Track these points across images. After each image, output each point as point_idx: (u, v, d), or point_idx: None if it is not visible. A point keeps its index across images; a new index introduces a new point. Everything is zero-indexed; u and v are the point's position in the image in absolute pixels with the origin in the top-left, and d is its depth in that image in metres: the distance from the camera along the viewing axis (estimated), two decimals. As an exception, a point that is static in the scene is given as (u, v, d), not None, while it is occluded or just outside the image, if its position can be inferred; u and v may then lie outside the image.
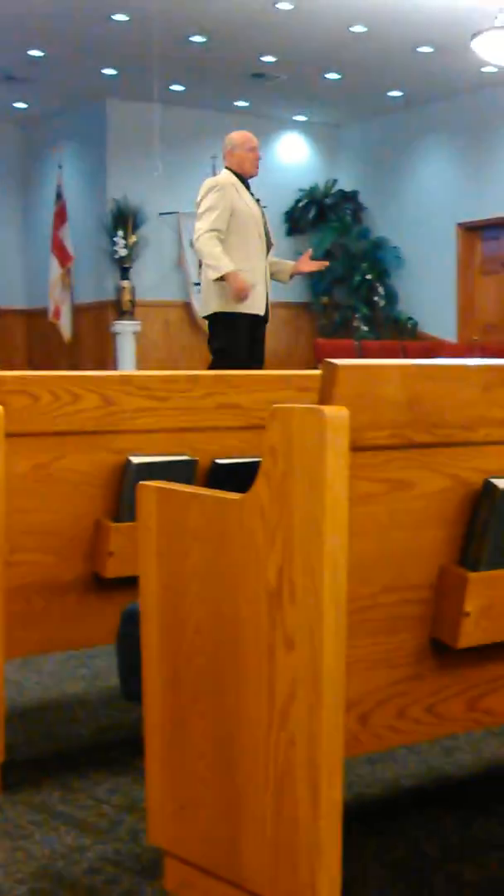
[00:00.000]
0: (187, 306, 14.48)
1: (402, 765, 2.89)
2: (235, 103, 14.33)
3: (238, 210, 6.51)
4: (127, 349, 13.81)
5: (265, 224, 6.67)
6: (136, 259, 14.04)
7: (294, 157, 15.40)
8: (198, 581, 2.03)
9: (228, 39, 11.72)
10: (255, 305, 6.57)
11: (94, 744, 3.09)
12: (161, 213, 14.27)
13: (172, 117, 13.92)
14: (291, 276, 6.96)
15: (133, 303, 13.87)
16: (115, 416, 2.80)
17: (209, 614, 2.01)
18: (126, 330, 13.81)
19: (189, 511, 2.05)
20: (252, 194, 6.71)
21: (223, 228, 6.45)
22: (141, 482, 2.17)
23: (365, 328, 14.41)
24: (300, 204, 15.21)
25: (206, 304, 6.66)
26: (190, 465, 2.85)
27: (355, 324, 14.59)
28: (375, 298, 14.44)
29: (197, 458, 2.87)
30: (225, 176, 6.70)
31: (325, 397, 1.83)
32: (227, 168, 6.76)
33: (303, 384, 3.07)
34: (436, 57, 12.29)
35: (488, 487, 2.01)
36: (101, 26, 11.17)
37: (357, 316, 14.58)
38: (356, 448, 1.84)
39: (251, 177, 6.74)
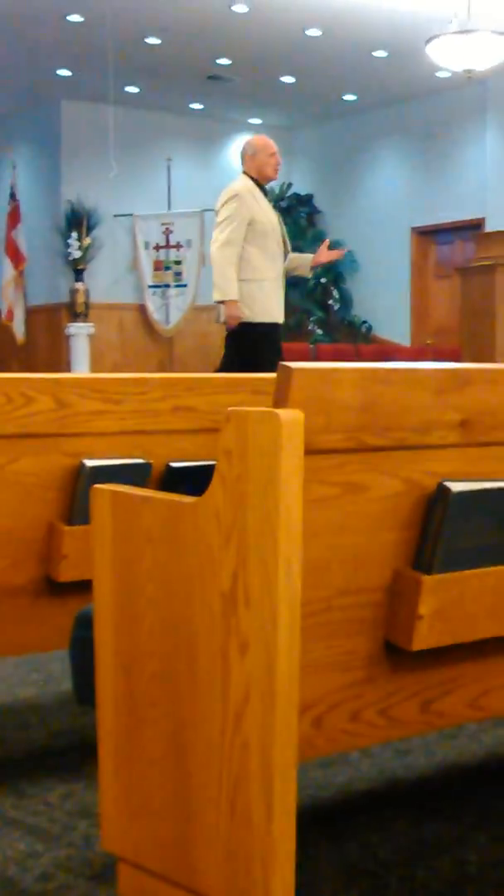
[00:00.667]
0: (142, 308, 14.46)
1: (355, 768, 2.89)
2: (190, 105, 14.33)
3: (256, 219, 6.55)
4: (81, 351, 13.77)
5: (283, 230, 6.71)
6: (91, 261, 14.00)
7: (249, 159, 15.40)
8: (152, 584, 2.02)
9: (184, 41, 11.72)
10: (273, 314, 6.66)
11: (46, 749, 3.08)
12: (116, 215, 14.24)
13: (127, 119, 13.90)
14: (312, 268, 7.05)
15: (87, 305, 13.83)
16: (68, 419, 2.78)
17: (163, 618, 2.00)
18: (80, 332, 13.77)
19: (143, 514, 2.04)
20: (269, 200, 6.75)
21: (239, 241, 6.50)
22: (95, 485, 2.16)
23: (319, 332, 14.45)
24: (255, 207, 15.21)
25: (219, 311, 6.71)
26: (144, 468, 2.84)
27: (310, 327, 14.63)
28: (330, 302, 14.49)
29: (151, 462, 2.86)
30: (242, 184, 6.71)
31: (279, 400, 1.83)
32: (244, 173, 6.77)
33: (257, 387, 3.07)
34: (390, 61, 12.34)
35: (442, 490, 2.02)
36: (56, 27, 11.14)
37: (312, 319, 14.62)
38: (310, 451, 1.84)
39: (270, 181, 6.82)
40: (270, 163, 6.75)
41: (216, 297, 6.57)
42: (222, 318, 6.67)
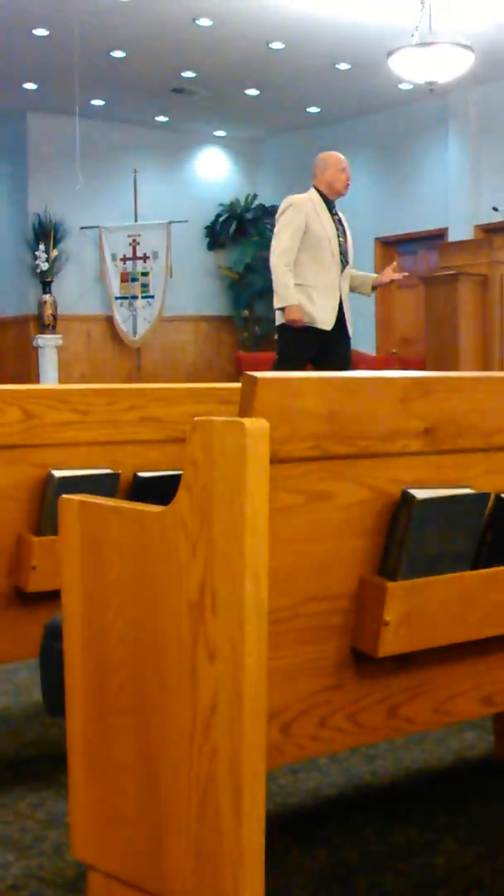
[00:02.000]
0: (109, 320, 14.45)
1: (323, 774, 2.91)
2: (156, 118, 14.36)
3: (311, 230, 6.82)
4: (49, 363, 13.75)
5: (342, 244, 6.92)
6: (58, 273, 13.99)
7: (214, 171, 15.45)
8: (120, 594, 2.04)
9: (148, 54, 11.74)
10: (321, 320, 6.87)
11: (17, 759, 3.08)
12: (83, 227, 14.24)
13: (93, 131, 13.91)
14: (374, 288, 7.27)
15: (55, 316, 13.82)
16: (36, 430, 2.79)
17: (132, 627, 2.02)
18: (48, 343, 13.75)
19: (111, 524, 2.05)
20: (335, 214, 6.96)
21: (294, 248, 6.79)
22: (63, 496, 2.17)
23: (286, 342, 14.44)
24: (220, 218, 15.26)
25: (277, 315, 7.01)
26: (112, 478, 2.85)
27: (276, 337, 14.64)
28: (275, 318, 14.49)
29: (119, 472, 2.87)
30: (305, 195, 6.99)
31: (245, 410, 1.85)
32: (314, 186, 7.02)
33: (224, 397, 3.09)
34: (353, 74, 12.41)
35: (406, 498, 2.04)
36: (22, 41, 11.14)
37: (278, 330, 14.62)
38: (276, 460, 1.85)
39: (340, 196, 7.02)
40: (341, 178, 7.02)
41: (276, 303, 6.92)
42: (279, 322, 6.99)
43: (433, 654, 2.18)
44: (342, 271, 6.90)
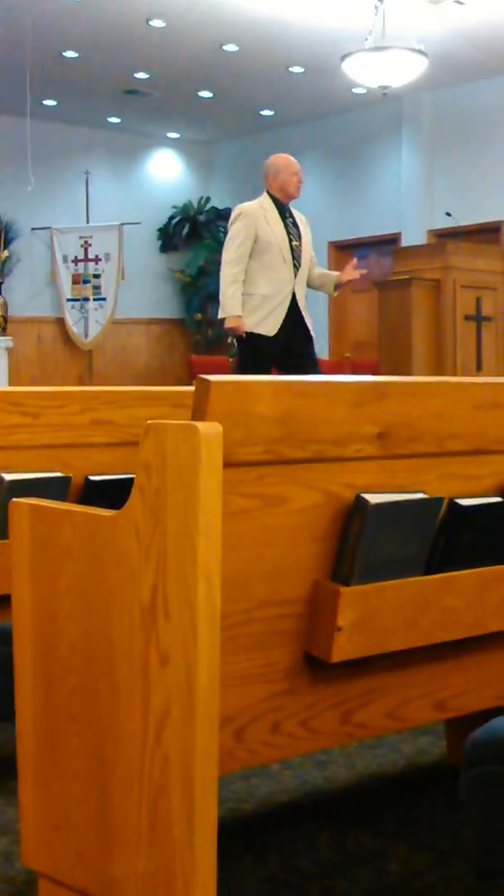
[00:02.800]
0: (60, 322, 14.39)
1: (276, 780, 2.90)
2: (108, 119, 14.32)
3: (261, 237, 6.82)
4: (-1, 365, 13.67)
5: (294, 248, 6.91)
6: (8, 274, 13.92)
7: (167, 173, 15.43)
8: (71, 599, 2.02)
9: (101, 55, 11.71)
10: (267, 327, 6.88)
11: (-35, 766, 3.04)
12: (34, 229, 14.17)
13: (45, 132, 13.83)
14: (336, 288, 7.26)
15: (5, 318, 13.73)
16: (-14, 433, 2.76)
17: (83, 632, 2.00)
18: (-2, 346, 13.67)
19: (62, 528, 2.03)
20: (287, 218, 6.95)
21: (243, 258, 6.82)
22: (13, 499, 2.15)
23: (238, 345, 14.45)
24: (173, 221, 15.24)
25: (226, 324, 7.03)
26: (63, 481, 2.83)
27: (229, 340, 14.64)
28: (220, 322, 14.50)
29: (70, 475, 2.85)
30: (255, 202, 6.97)
31: (198, 413, 1.84)
32: (267, 192, 7.01)
33: (176, 400, 3.07)
34: (307, 77, 12.43)
35: (360, 502, 2.03)
36: (-28, 39, 11.07)
37: (231, 333, 14.63)
38: (229, 464, 1.84)
39: (292, 199, 7.01)
40: (293, 181, 7.00)
41: (219, 314, 6.97)
42: (227, 328, 7.05)
43: (386, 660, 2.18)
44: (296, 275, 6.90)
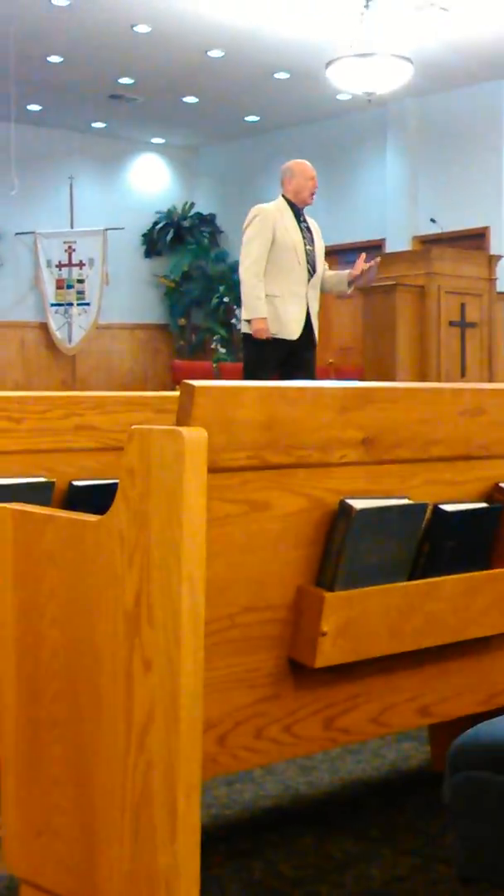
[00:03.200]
0: (44, 327, 14.37)
1: (259, 785, 2.90)
2: (93, 124, 14.31)
3: (278, 239, 6.82)
4: (-18, 370, 13.64)
5: (309, 252, 6.92)
6: (-8, 279, 13.90)
7: (152, 179, 15.43)
8: (55, 604, 2.01)
9: (86, 60, 11.70)
10: (285, 330, 6.87)
11: None
12: (17, 233, 14.16)
13: (29, 137, 13.82)
14: (350, 284, 7.20)
15: (-11, 323, 13.72)
16: (-31, 438, 2.75)
17: (66, 638, 1.99)
18: (-19, 350, 13.65)
19: (45, 533, 2.03)
20: (301, 222, 6.94)
21: (263, 258, 6.79)
22: (-4, 504, 2.14)
23: (223, 350, 14.47)
24: (158, 226, 15.24)
25: (244, 325, 7.00)
26: (47, 486, 2.82)
27: (213, 346, 14.65)
28: (233, 321, 14.53)
29: (54, 480, 2.84)
30: (272, 204, 6.96)
31: (182, 419, 1.84)
32: (283, 196, 7.00)
33: (160, 406, 3.07)
34: (292, 83, 12.45)
35: (344, 508, 2.03)
36: (-43, 43, 11.05)
37: (215, 338, 14.65)
38: (214, 469, 1.84)
39: (306, 204, 7.00)
40: (308, 186, 6.99)
41: (244, 314, 6.92)
42: (244, 330, 6.99)
43: (370, 665, 2.18)
44: (310, 280, 6.91)
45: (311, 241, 6.96)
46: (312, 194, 7.01)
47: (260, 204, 7.04)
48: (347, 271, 7.17)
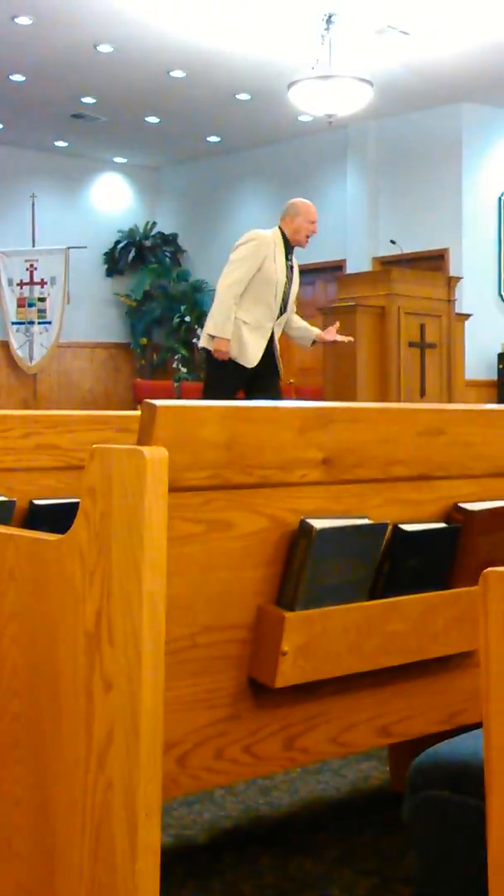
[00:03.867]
0: (5, 345, 14.32)
1: (219, 805, 2.89)
2: (55, 143, 14.31)
3: (264, 269, 6.83)
4: None
5: (286, 291, 6.95)
6: (-47, 297, 13.84)
7: (113, 198, 15.44)
8: (15, 623, 2.00)
9: (48, 79, 11.71)
10: (244, 357, 6.89)
11: None
12: (-22, 252, 14.11)
13: (-10, 155, 13.80)
14: (313, 343, 7.30)
15: None
16: None
17: (27, 657, 1.98)
18: None
19: (6, 552, 2.02)
20: (288, 261, 6.97)
21: (245, 281, 6.80)
22: (-44, 523, 2.13)
23: (184, 370, 14.48)
24: (119, 245, 15.24)
25: (205, 338, 7.01)
26: (7, 505, 2.81)
27: (174, 365, 14.65)
28: (194, 340, 14.54)
29: (14, 499, 2.83)
30: (270, 233, 6.95)
31: (144, 438, 1.84)
32: (280, 228, 7.00)
33: (122, 425, 3.07)
34: (253, 104, 12.50)
35: (304, 527, 2.04)
36: None
37: (176, 357, 14.65)
38: (175, 489, 1.84)
39: (298, 245, 7.01)
40: (307, 229, 6.99)
41: (209, 328, 6.90)
42: (203, 344, 7.03)
43: (330, 685, 2.18)
44: (278, 317, 6.94)
45: (291, 281, 7.00)
46: (308, 237, 7.01)
47: (259, 230, 7.03)
48: (317, 330, 7.21)
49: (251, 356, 6.88)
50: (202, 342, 7.06)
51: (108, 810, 1.83)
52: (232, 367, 6.89)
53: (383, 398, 9.40)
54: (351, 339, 7.42)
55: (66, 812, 1.90)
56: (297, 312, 7.24)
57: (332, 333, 7.16)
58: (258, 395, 6.97)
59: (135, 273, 15.14)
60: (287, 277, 6.92)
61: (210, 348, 6.91)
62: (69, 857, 1.91)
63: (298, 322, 7.21)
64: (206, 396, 7.04)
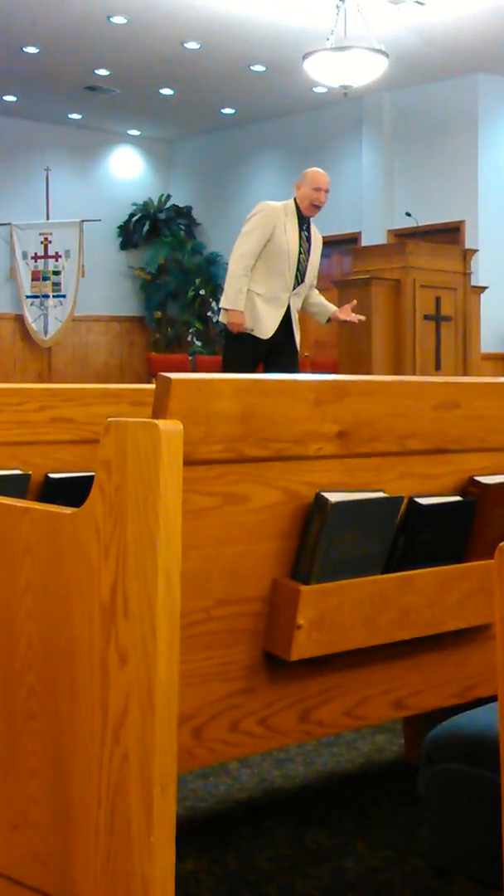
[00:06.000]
0: (20, 319, 14.32)
1: (234, 778, 2.90)
2: (69, 115, 14.27)
3: (275, 240, 6.81)
4: (-43, 362, 13.59)
5: (301, 261, 6.91)
6: (-33, 271, 13.85)
7: (127, 171, 15.40)
8: (31, 596, 2.01)
9: (62, 51, 11.66)
10: (259, 328, 6.90)
11: None
12: (-8, 225, 14.10)
13: (5, 128, 13.78)
14: (329, 320, 7.29)
15: (-36, 315, 13.67)
16: None
17: (42, 630, 1.99)
18: (-44, 342, 13.60)
19: (21, 526, 2.02)
20: (304, 230, 6.92)
21: (255, 253, 6.79)
22: (-28, 497, 2.14)
23: (199, 343, 14.47)
24: (134, 218, 15.21)
25: (222, 311, 7.03)
26: (22, 479, 2.81)
27: (189, 339, 14.64)
28: (209, 314, 14.53)
29: (30, 473, 2.84)
30: (281, 204, 6.94)
31: (159, 411, 1.83)
32: (294, 199, 6.98)
33: (136, 398, 3.07)
34: (268, 76, 12.44)
35: (319, 501, 2.04)
36: None
37: (191, 331, 14.64)
38: (190, 462, 1.84)
39: (309, 214, 6.96)
40: (311, 196, 6.92)
41: (222, 303, 6.95)
42: (221, 319, 7.05)
43: (345, 658, 2.18)
44: (295, 287, 6.92)
45: (308, 251, 6.96)
46: (315, 206, 6.94)
47: (269, 201, 7.02)
48: (334, 308, 7.20)
49: (266, 328, 6.88)
50: (220, 318, 7.08)
51: (123, 782, 1.84)
52: (249, 340, 6.90)
53: (398, 371, 9.38)
54: (362, 318, 7.38)
55: (82, 784, 1.91)
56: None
57: (346, 312, 7.14)
58: (274, 368, 6.96)
59: (149, 246, 15.11)
60: (301, 248, 6.89)
61: (224, 321, 6.92)
62: (85, 828, 1.91)
63: (317, 298, 7.19)
64: (225, 371, 7.06)
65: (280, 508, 2.04)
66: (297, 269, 6.90)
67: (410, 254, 9.64)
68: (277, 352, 6.98)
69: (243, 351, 6.94)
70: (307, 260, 6.95)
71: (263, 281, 6.85)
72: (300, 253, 6.89)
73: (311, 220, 7.00)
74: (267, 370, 7.03)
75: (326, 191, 6.98)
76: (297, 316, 7.03)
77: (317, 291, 7.20)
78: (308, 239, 6.96)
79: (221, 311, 6.99)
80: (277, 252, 6.82)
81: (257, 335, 6.89)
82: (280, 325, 6.90)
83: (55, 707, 1.96)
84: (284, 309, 6.91)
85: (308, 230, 6.97)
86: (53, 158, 14.57)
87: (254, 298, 6.84)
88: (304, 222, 6.93)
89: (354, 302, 7.30)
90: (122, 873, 1.85)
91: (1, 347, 14.28)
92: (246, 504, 1.99)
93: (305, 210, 6.94)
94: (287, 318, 6.93)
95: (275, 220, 6.83)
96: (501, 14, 10.51)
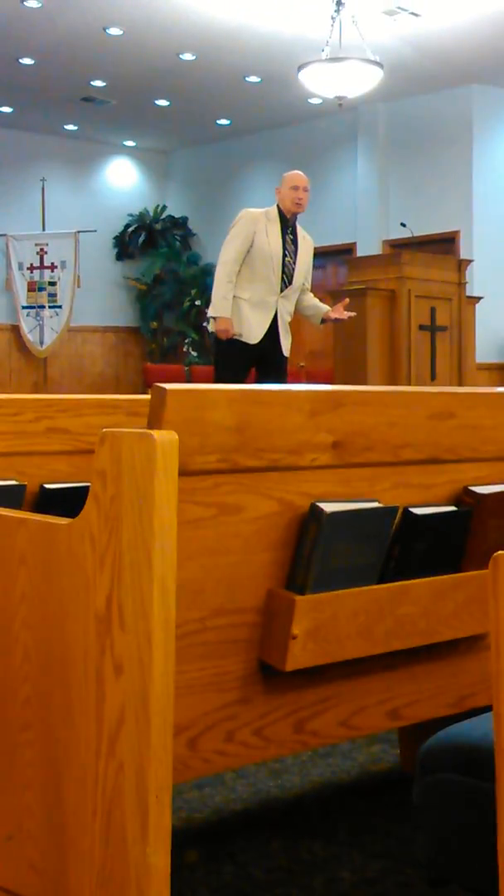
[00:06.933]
0: (15, 329, 14.33)
1: (230, 788, 2.90)
2: (65, 126, 14.29)
3: (257, 245, 6.89)
4: (-47, 372, 13.59)
5: (287, 264, 6.96)
6: (-37, 281, 13.86)
7: (123, 181, 15.42)
8: (26, 607, 2.01)
9: (58, 63, 11.68)
10: (247, 334, 6.95)
11: None
12: (-12, 235, 14.11)
13: (1, 139, 13.78)
14: (323, 321, 7.32)
15: (-41, 325, 13.67)
16: None
17: (38, 641, 1.99)
18: (-48, 353, 13.59)
19: (17, 536, 2.02)
20: (288, 233, 6.99)
21: (237, 260, 6.88)
22: (-33, 507, 2.14)
23: (194, 353, 14.48)
24: (129, 229, 15.22)
25: (211, 320, 7.09)
26: (18, 490, 2.81)
27: (184, 349, 14.65)
28: (204, 324, 14.53)
29: (25, 483, 2.84)
30: (262, 210, 7.04)
31: (154, 421, 1.84)
32: (277, 203, 7.08)
33: (132, 409, 3.07)
34: (263, 87, 12.47)
35: (314, 511, 2.04)
36: None
37: (186, 341, 14.65)
38: (185, 472, 1.84)
39: (292, 214, 7.04)
40: (290, 196, 7.03)
41: (209, 311, 7.03)
42: (210, 328, 7.10)
43: (341, 668, 2.18)
44: (282, 290, 6.94)
45: (294, 254, 6.98)
46: (297, 205, 7.00)
47: (250, 208, 7.10)
48: (326, 307, 7.22)
49: (254, 333, 6.92)
50: (210, 327, 7.12)
51: (118, 793, 1.84)
52: (238, 346, 6.94)
53: (393, 381, 9.39)
54: (353, 314, 7.40)
55: (77, 795, 1.91)
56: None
57: (338, 310, 7.17)
58: (264, 374, 6.99)
59: (145, 257, 15.13)
60: (285, 250, 6.92)
61: (213, 329, 6.97)
62: (80, 839, 1.91)
63: (311, 300, 7.23)
64: (217, 379, 7.08)
65: (275, 519, 2.04)
66: (283, 272, 6.93)
67: (406, 264, 9.66)
68: (266, 357, 7.01)
69: (233, 357, 6.98)
70: (294, 262, 6.98)
71: (248, 286, 6.91)
72: (285, 256, 6.92)
73: (303, 225, 7.05)
74: (258, 376, 7.06)
75: (305, 189, 7.06)
76: (287, 322, 7.03)
77: (311, 294, 7.23)
78: (294, 241, 7.00)
79: (210, 319, 7.04)
80: (261, 256, 6.88)
81: (246, 340, 6.92)
82: (268, 330, 6.93)
83: (50, 717, 1.96)
84: (272, 313, 6.94)
85: (294, 233, 7.00)
86: (49, 169, 14.58)
87: (240, 304, 6.88)
88: (287, 226, 6.97)
89: (346, 300, 7.32)
90: (118, 884, 1.85)
91: (-4, 358, 14.29)
92: (241, 514, 1.99)
93: (288, 210, 7.00)
94: (274, 326, 6.95)
95: (255, 226, 6.90)
96: (496, 25, 10.55)
